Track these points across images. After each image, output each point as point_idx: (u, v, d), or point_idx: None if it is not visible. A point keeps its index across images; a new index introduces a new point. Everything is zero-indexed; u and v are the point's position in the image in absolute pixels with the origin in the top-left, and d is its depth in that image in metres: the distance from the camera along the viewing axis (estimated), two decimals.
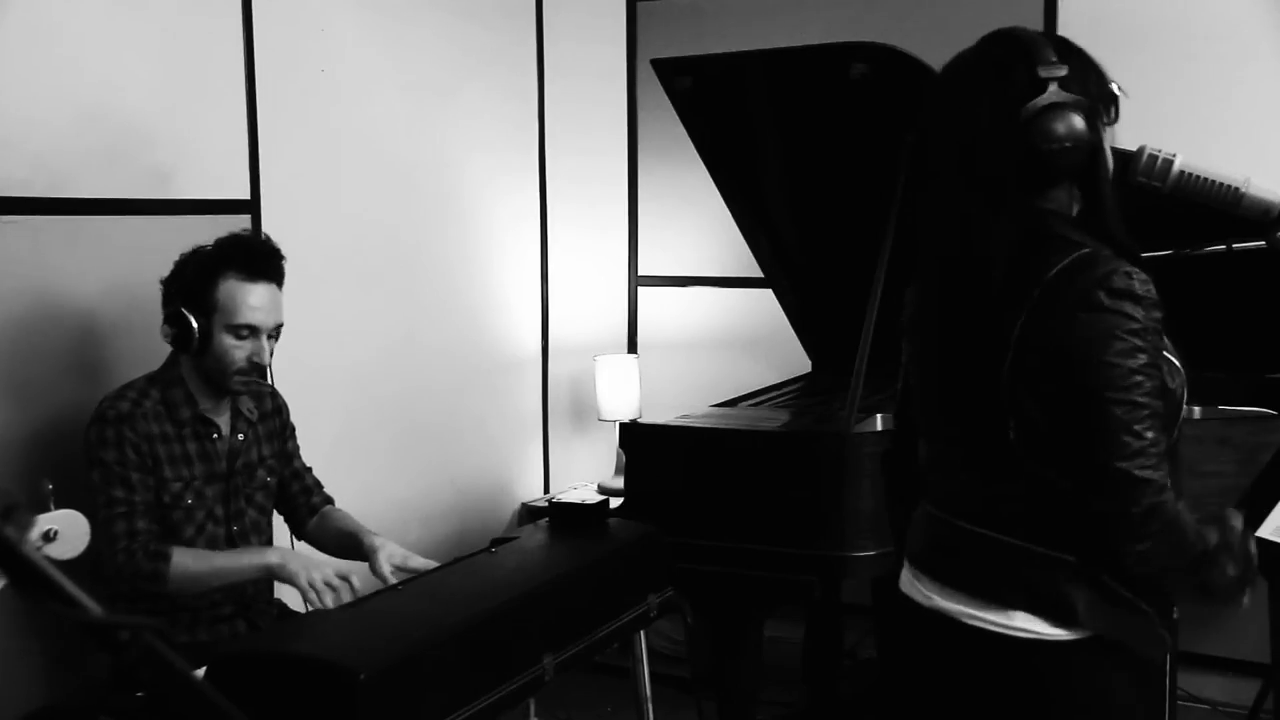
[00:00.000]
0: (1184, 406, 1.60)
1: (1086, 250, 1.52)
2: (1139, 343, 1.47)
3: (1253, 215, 1.74)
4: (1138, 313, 1.47)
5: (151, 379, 2.43)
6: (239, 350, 2.37)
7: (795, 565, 2.58)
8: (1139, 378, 1.46)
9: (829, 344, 3.56)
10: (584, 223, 4.42)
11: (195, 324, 2.34)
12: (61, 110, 2.66)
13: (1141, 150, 1.69)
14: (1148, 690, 1.64)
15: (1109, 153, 1.60)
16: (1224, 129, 3.40)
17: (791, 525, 2.58)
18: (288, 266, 2.50)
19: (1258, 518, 2.42)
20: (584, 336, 4.41)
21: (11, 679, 2.55)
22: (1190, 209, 1.72)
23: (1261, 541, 2.41)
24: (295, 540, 2.65)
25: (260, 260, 2.41)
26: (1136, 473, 1.45)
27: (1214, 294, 2.38)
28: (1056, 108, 1.52)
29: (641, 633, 2.42)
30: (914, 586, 1.73)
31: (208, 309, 2.36)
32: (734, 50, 3.12)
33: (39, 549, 1.25)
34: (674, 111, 3.14)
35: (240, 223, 3.07)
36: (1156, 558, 1.50)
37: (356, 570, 2.32)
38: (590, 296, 4.45)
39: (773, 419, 3.09)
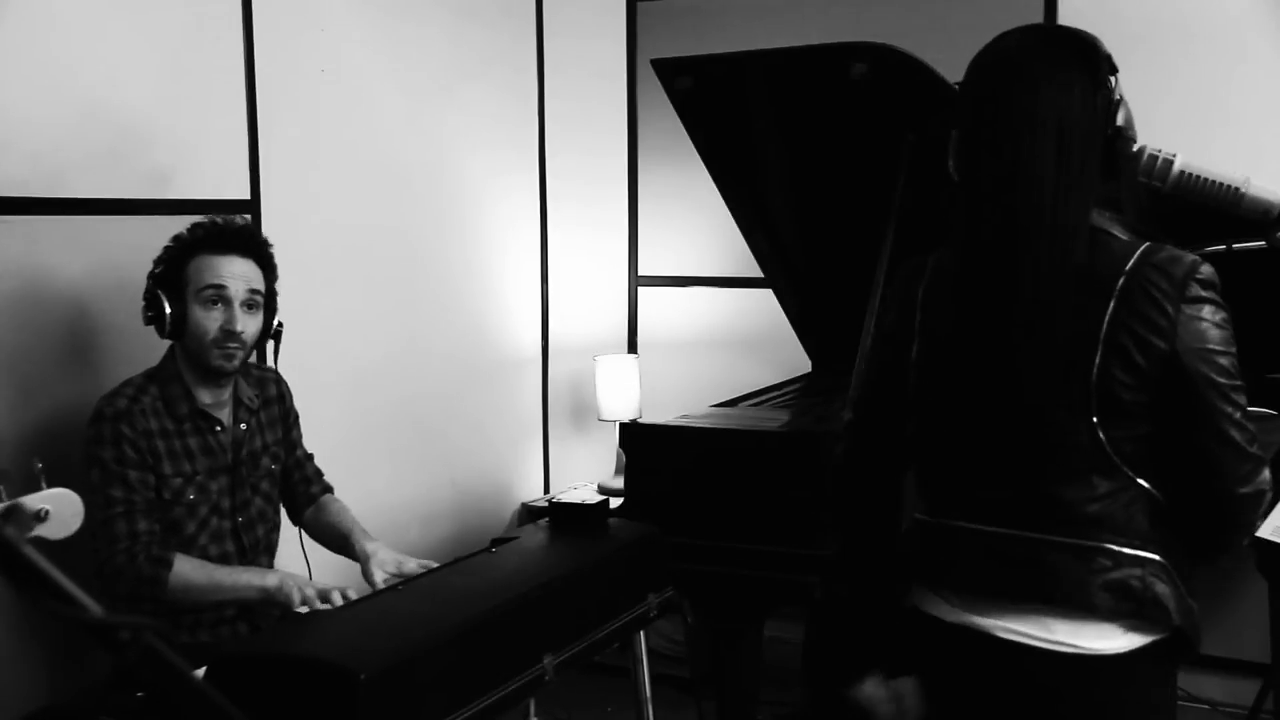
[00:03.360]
0: None
1: (1148, 243, 1.54)
2: (1230, 330, 1.52)
3: (1253, 215, 1.74)
4: (1221, 300, 1.52)
5: (149, 375, 2.42)
6: (211, 320, 2.36)
7: (795, 565, 2.57)
8: (1236, 363, 1.52)
9: (829, 344, 3.56)
10: (584, 223, 4.42)
11: (168, 305, 2.35)
12: (61, 110, 2.66)
13: (1141, 150, 1.70)
14: (1174, 694, 1.66)
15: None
16: (1223, 129, 3.40)
17: (791, 525, 2.58)
18: (287, 266, 2.50)
19: None
20: (584, 336, 4.41)
21: (11, 679, 2.55)
22: (1190, 209, 1.72)
23: (1261, 541, 2.41)
24: (293, 525, 2.66)
25: (229, 235, 2.41)
26: (1260, 452, 1.52)
27: None
28: (1123, 102, 1.55)
29: (641, 633, 2.42)
30: (934, 599, 1.66)
31: (180, 287, 2.36)
32: (734, 50, 3.11)
33: (31, 529, 1.25)
34: (674, 111, 3.14)
35: None
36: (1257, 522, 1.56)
37: (353, 585, 2.31)
38: (590, 296, 4.45)
39: (773, 419, 3.08)
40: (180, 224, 2.84)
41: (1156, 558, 1.54)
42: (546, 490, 4.47)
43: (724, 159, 3.27)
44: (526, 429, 4.38)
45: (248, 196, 3.13)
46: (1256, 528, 1.55)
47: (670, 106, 3.13)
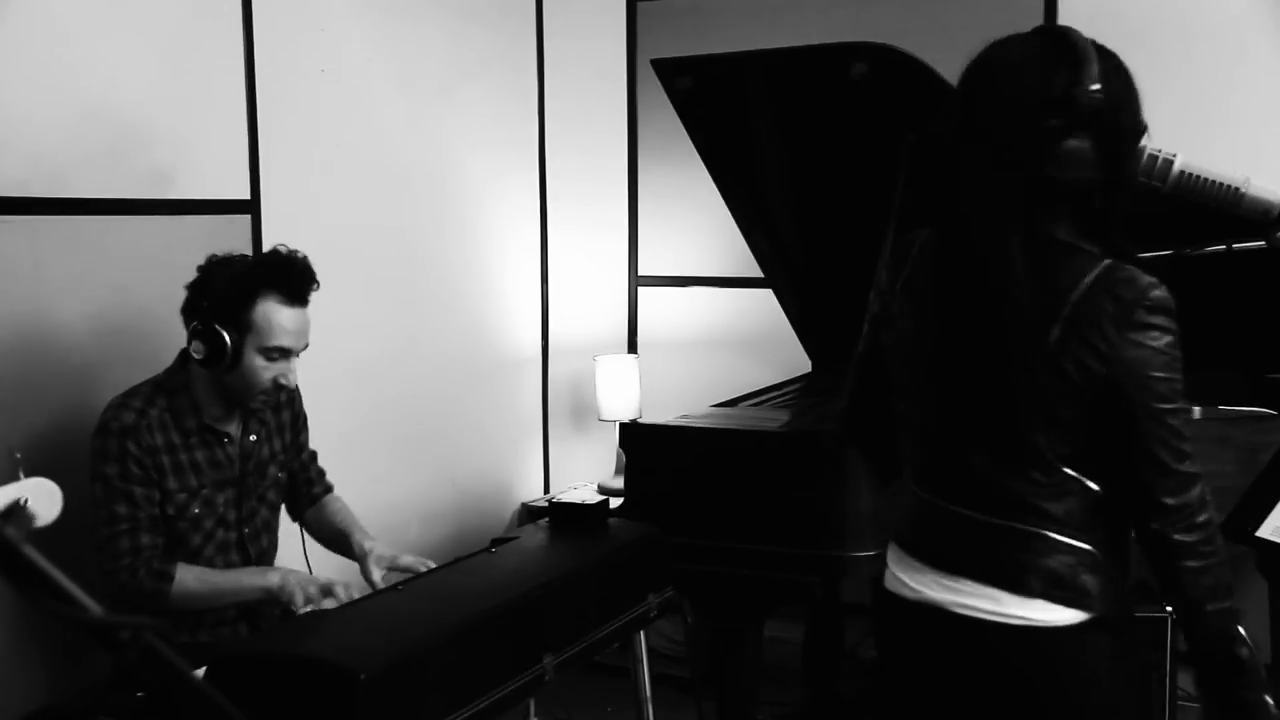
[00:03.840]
0: None
1: (1109, 261, 1.57)
2: (1177, 353, 1.56)
3: (1253, 215, 1.74)
4: (1170, 324, 1.55)
5: (157, 386, 2.38)
6: (267, 371, 2.34)
7: (795, 565, 2.57)
8: (1179, 385, 1.56)
9: (829, 344, 3.56)
10: (584, 223, 4.42)
11: (230, 342, 2.28)
12: (61, 110, 2.66)
13: (1141, 150, 1.70)
14: (1125, 666, 1.70)
15: (1126, 175, 1.63)
16: (1224, 129, 3.40)
17: (791, 525, 2.58)
18: None
19: (1258, 518, 2.42)
20: (584, 336, 4.41)
21: (11, 679, 2.55)
22: (1190, 209, 1.72)
23: (1261, 541, 2.41)
24: (292, 521, 2.66)
25: (300, 283, 2.35)
26: (1192, 470, 1.57)
27: (1214, 294, 2.38)
28: (1071, 136, 1.55)
29: (641, 633, 2.42)
30: (898, 580, 1.75)
31: (241, 327, 2.29)
32: (734, 50, 3.11)
33: (29, 526, 1.24)
34: (674, 111, 3.14)
35: (240, 223, 3.07)
36: (1209, 548, 1.59)
37: (353, 582, 2.32)
38: (590, 296, 4.45)
39: (773, 419, 3.08)
40: (180, 224, 2.85)
41: (1089, 548, 1.62)
42: (546, 490, 4.47)
43: (724, 159, 3.27)
44: (526, 429, 4.38)
45: (248, 196, 3.13)
46: (1200, 534, 1.59)
47: (670, 106, 3.13)
